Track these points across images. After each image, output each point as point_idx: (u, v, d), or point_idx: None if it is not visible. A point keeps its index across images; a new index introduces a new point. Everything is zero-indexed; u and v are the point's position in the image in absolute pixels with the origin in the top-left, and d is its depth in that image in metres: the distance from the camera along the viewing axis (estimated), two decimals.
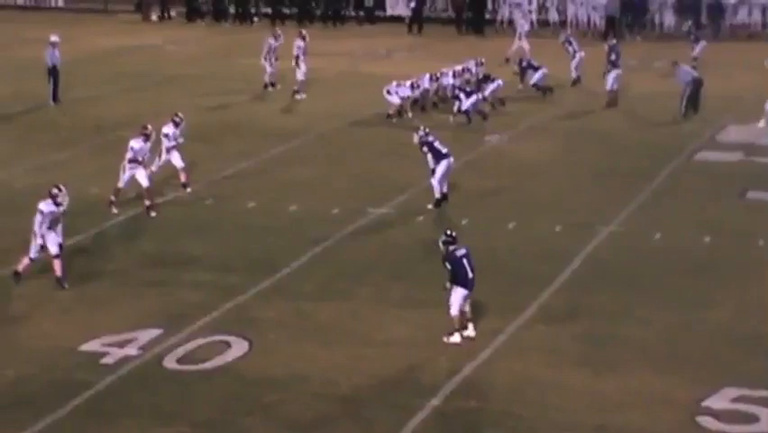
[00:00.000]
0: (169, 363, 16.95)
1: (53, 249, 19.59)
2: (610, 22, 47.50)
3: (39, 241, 19.59)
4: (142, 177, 23.52)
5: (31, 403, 15.61)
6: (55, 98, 34.28)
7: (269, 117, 33.11)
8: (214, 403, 15.75)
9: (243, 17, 52.86)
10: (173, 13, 53.99)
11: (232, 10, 53.40)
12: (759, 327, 18.15)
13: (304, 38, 35.70)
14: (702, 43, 40.17)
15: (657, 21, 49.54)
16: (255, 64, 36.71)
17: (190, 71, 40.16)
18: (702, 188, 25.85)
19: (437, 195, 23.92)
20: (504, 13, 50.97)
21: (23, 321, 18.56)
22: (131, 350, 17.35)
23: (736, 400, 15.65)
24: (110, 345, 17.50)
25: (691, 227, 22.92)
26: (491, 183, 26.11)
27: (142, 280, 20.28)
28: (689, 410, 15.38)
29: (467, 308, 17.67)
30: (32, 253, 19.70)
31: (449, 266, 17.53)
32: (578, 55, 37.31)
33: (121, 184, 23.66)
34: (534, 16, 50.23)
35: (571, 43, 37.72)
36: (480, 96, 32.22)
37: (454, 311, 17.49)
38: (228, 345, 17.49)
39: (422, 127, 24.68)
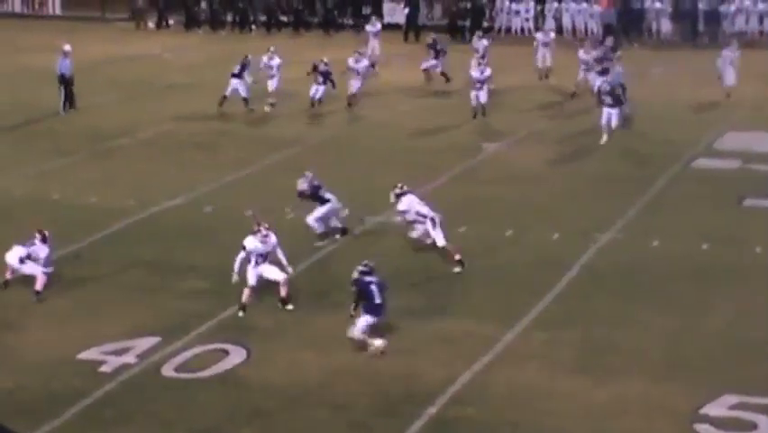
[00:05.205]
0: (167, 371, 16.96)
1: (279, 276, 19.21)
2: (608, 29, 47.50)
3: (250, 275, 19.17)
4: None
5: (29, 412, 15.61)
6: (65, 107, 34.33)
7: (266, 126, 33.08)
8: (212, 411, 15.76)
9: (241, 25, 52.82)
10: (171, 21, 53.95)
11: (229, 18, 53.34)
12: (757, 334, 18.15)
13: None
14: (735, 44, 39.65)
15: (654, 28, 49.56)
16: (252, 72, 36.56)
17: (188, 80, 40.12)
18: (700, 195, 25.84)
19: (319, 231, 22.51)
20: (502, 20, 51.09)
21: (21, 330, 18.55)
22: (129, 358, 17.36)
23: (734, 407, 15.66)
24: (108, 353, 17.52)
25: (689, 234, 22.92)
26: (489, 190, 26.09)
27: (140, 288, 20.29)
28: (686, 418, 15.39)
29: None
30: (251, 282, 19.16)
31: (354, 288, 17.63)
32: (439, 60, 37.69)
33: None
34: (531, 24, 50.31)
35: (435, 45, 37.92)
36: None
37: (355, 334, 17.39)
38: (226, 352, 17.50)
39: (307, 173, 23.11)
